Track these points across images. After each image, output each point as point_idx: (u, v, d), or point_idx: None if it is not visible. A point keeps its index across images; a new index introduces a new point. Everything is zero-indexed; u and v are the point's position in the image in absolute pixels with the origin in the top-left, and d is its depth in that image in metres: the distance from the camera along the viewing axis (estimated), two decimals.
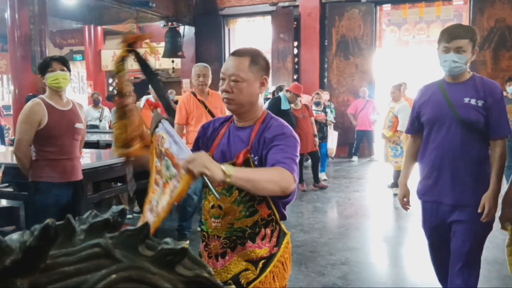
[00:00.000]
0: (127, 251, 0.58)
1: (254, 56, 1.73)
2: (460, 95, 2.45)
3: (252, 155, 1.69)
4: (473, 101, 2.42)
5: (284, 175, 1.52)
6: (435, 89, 2.57)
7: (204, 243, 1.79)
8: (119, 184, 5.05)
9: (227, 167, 1.41)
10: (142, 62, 1.87)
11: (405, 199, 2.76)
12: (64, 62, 3.22)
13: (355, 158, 10.26)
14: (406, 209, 2.78)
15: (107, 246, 0.56)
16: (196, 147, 1.89)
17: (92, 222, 0.58)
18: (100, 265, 0.55)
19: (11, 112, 8.95)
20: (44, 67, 3.18)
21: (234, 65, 1.70)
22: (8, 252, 0.52)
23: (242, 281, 1.68)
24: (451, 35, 2.43)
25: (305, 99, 8.09)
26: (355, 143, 10.29)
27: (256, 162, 1.69)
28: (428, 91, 2.61)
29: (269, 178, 1.50)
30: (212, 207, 1.72)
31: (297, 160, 1.63)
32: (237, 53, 1.75)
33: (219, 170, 1.38)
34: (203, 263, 0.65)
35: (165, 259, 0.59)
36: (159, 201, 1.65)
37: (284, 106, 6.62)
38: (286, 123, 1.77)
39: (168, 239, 0.61)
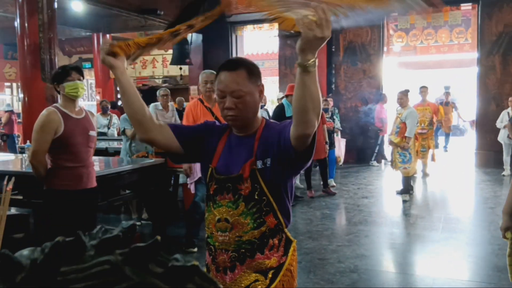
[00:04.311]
0: (137, 268, 0.57)
1: (248, 67, 1.68)
2: None
3: (260, 162, 1.66)
4: None
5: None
6: None
7: (211, 256, 1.75)
8: (127, 191, 5.06)
9: None
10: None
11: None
12: (81, 71, 3.33)
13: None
14: None
15: (117, 263, 0.56)
16: (198, 132, 1.83)
17: (102, 238, 0.58)
18: (110, 282, 0.55)
19: (20, 120, 9.02)
20: (62, 76, 3.23)
21: (233, 80, 1.64)
22: (19, 269, 0.52)
23: None
24: None
25: None
26: (378, 149, 10.26)
27: (268, 164, 1.66)
28: None
29: (318, 90, 1.46)
30: (219, 220, 1.68)
31: None
32: (230, 67, 1.67)
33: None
34: (213, 280, 0.64)
35: (175, 276, 0.59)
36: None
37: (288, 113, 6.53)
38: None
39: (178, 256, 0.60)
